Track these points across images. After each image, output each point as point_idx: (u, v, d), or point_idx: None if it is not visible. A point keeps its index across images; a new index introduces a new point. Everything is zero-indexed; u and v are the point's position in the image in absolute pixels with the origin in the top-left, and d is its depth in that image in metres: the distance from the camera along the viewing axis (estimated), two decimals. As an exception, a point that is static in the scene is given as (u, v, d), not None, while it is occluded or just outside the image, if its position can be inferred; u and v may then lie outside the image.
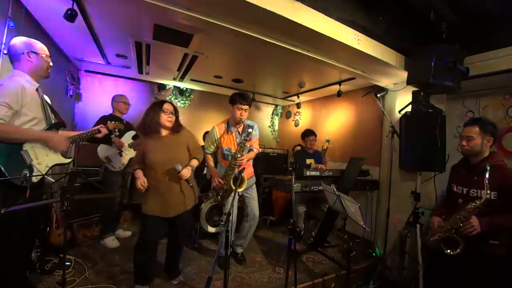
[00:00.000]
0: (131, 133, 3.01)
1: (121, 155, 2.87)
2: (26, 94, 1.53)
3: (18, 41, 1.62)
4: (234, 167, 2.23)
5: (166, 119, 1.98)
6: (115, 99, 3.01)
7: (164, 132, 2.04)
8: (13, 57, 1.60)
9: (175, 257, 2.21)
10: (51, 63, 1.74)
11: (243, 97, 2.34)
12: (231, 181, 2.19)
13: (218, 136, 2.45)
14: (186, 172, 1.93)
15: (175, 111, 2.05)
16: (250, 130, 2.22)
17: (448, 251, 1.73)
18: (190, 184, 2.00)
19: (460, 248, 1.66)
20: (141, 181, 1.92)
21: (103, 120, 2.74)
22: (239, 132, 2.46)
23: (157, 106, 2.00)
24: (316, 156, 3.65)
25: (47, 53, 1.72)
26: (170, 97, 4.82)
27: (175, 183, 2.00)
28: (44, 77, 1.73)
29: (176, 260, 2.22)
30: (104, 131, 2.07)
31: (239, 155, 2.21)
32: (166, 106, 2.00)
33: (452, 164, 2.02)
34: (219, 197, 2.41)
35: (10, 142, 1.48)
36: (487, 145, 1.71)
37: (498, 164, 1.67)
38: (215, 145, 2.49)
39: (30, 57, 1.61)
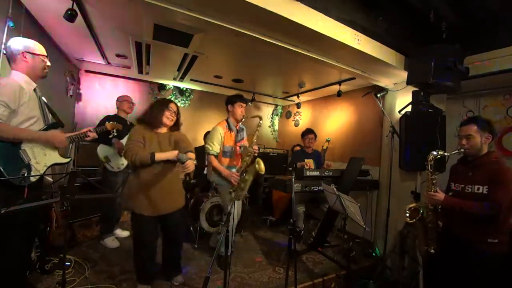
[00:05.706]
0: None
1: (120, 156, 2.85)
2: (24, 94, 1.54)
3: (14, 41, 1.62)
4: (247, 157, 2.40)
5: (167, 116, 2.00)
6: (119, 99, 3.03)
7: (161, 130, 2.05)
8: (10, 57, 1.60)
9: (174, 257, 2.19)
10: (48, 63, 1.73)
11: (242, 97, 2.58)
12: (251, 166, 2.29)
13: (223, 135, 2.50)
14: (192, 165, 1.86)
15: (178, 113, 2.10)
16: (243, 127, 2.63)
17: (408, 214, 1.91)
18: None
19: (417, 218, 1.82)
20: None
21: (107, 119, 2.72)
22: (237, 130, 2.58)
23: (163, 103, 2.04)
24: (315, 156, 3.63)
25: (44, 53, 1.71)
26: (170, 97, 4.82)
27: (164, 181, 1.98)
28: (42, 77, 1.73)
29: (176, 259, 2.21)
30: (92, 135, 1.99)
31: (250, 148, 2.40)
32: (172, 105, 2.05)
33: (452, 164, 2.02)
34: (239, 189, 2.34)
35: (9, 141, 1.48)
36: (486, 142, 1.73)
37: (493, 161, 1.70)
38: (220, 144, 2.48)
39: (25, 57, 1.60)
